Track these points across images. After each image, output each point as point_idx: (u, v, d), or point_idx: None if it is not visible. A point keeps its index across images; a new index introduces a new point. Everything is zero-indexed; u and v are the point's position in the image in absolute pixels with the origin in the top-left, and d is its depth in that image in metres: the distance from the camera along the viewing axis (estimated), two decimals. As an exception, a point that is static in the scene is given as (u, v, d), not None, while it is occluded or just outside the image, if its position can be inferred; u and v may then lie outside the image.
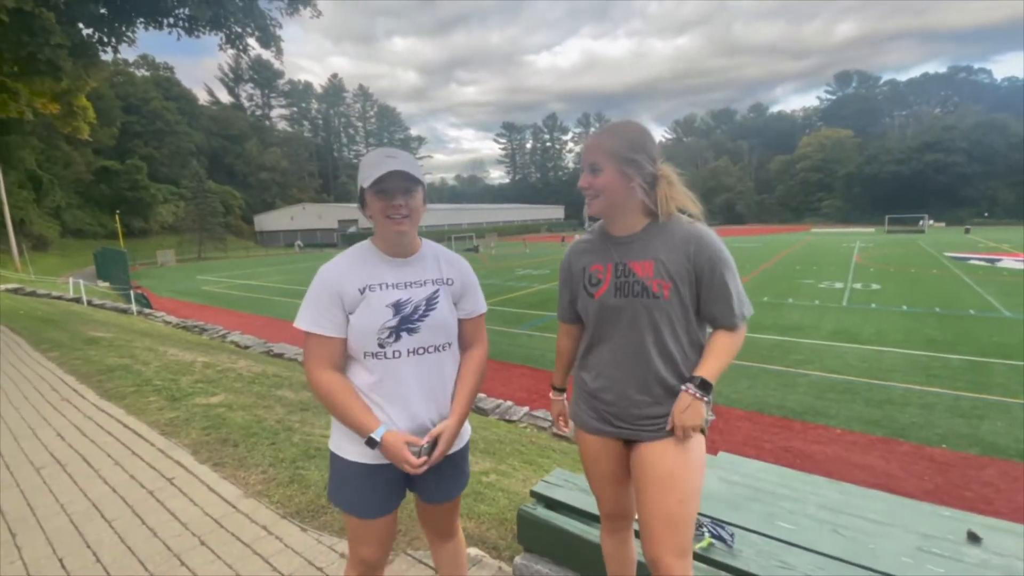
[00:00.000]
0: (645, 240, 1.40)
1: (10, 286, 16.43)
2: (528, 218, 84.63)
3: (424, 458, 1.33)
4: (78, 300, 14.47)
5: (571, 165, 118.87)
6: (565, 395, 1.72)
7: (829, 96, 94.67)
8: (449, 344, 1.46)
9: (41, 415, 4.08)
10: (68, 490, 2.83)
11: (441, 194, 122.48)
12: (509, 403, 6.23)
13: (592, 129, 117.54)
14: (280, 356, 8.45)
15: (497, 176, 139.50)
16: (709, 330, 1.47)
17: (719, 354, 1.39)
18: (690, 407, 1.34)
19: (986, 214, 57.66)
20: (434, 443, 1.36)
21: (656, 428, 1.40)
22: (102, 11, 9.66)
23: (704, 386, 1.34)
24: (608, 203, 1.39)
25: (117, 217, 42.88)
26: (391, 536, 1.50)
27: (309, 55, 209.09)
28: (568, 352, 1.66)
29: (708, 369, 1.36)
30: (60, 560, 2.20)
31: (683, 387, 1.36)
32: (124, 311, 13.69)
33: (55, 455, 3.30)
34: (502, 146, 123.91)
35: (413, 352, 1.38)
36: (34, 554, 2.26)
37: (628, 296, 1.39)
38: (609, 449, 1.50)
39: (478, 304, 1.54)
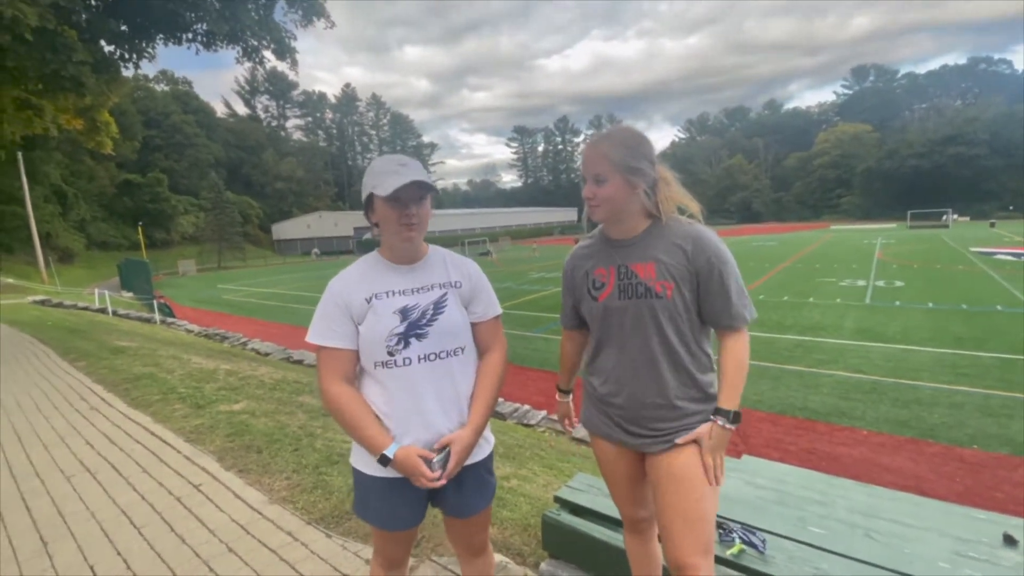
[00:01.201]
0: (646, 242, 1.41)
1: (37, 298, 16.89)
2: (541, 221, 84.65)
3: (439, 471, 1.30)
4: (103, 311, 14.82)
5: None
6: (571, 397, 1.80)
7: (846, 91, 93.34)
8: (462, 348, 1.43)
9: (71, 424, 4.18)
10: (98, 497, 2.88)
11: (454, 199, 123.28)
12: (527, 407, 6.22)
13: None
14: (300, 362, 8.55)
15: (509, 180, 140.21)
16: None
17: (733, 377, 1.38)
18: (718, 438, 1.36)
19: (1011, 207, 56.03)
20: (448, 455, 1.33)
21: (667, 442, 1.40)
22: (123, 28, 9.93)
23: (736, 418, 1.36)
24: (612, 210, 1.40)
25: (140, 229, 43.92)
26: (413, 539, 1.57)
27: (324, 66, 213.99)
28: (571, 356, 1.70)
29: (730, 398, 1.37)
30: (91, 567, 2.24)
31: (712, 418, 1.38)
32: (147, 320, 13.99)
33: (85, 463, 3.38)
34: (514, 150, 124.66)
35: (424, 358, 1.36)
36: (65, 560, 2.30)
37: (632, 297, 1.40)
38: (623, 452, 1.51)
39: (491, 306, 1.50)
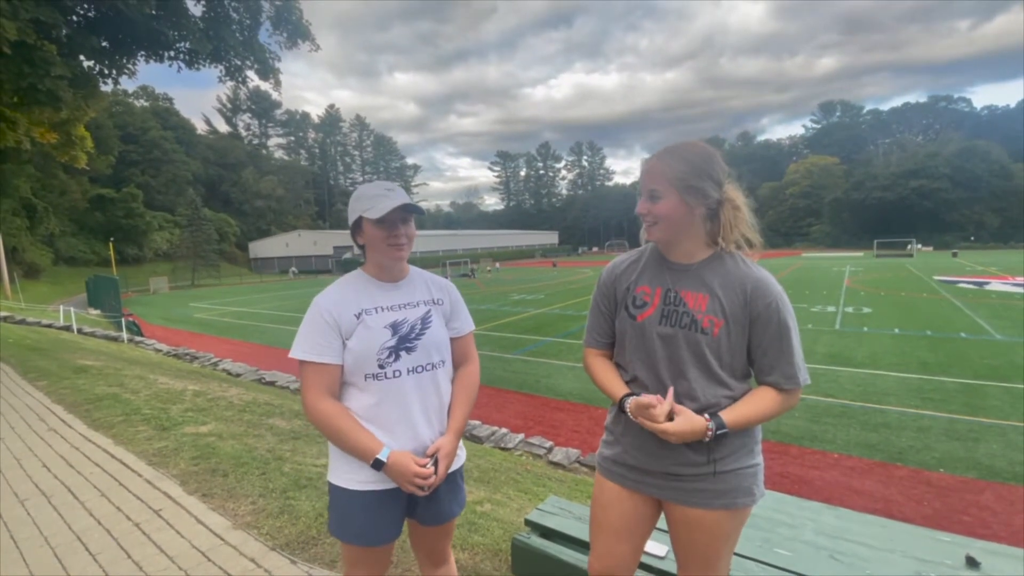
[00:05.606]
0: (702, 271, 1.31)
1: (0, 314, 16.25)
2: (523, 243, 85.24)
3: (431, 469, 1.35)
4: (68, 328, 14.31)
5: (564, 192, 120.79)
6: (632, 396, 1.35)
7: (814, 125, 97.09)
8: (443, 361, 1.51)
9: (27, 445, 4.00)
10: (52, 522, 2.76)
11: (436, 220, 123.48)
12: (504, 430, 6.16)
13: (586, 156, 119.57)
14: (272, 384, 8.35)
15: (492, 203, 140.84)
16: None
17: (756, 407, 1.25)
18: (693, 433, 1.21)
19: (972, 238, 58.55)
20: (435, 461, 1.39)
21: (707, 497, 1.30)
22: (103, 44, 9.84)
23: (720, 435, 1.23)
24: (668, 231, 1.30)
25: (111, 244, 42.79)
26: (390, 557, 1.55)
27: (314, 88, 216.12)
28: (608, 366, 1.45)
29: (737, 419, 1.24)
30: (41, 597, 2.13)
31: (706, 417, 1.23)
32: (114, 339, 13.54)
33: (40, 486, 3.23)
34: (496, 174, 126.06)
35: (412, 371, 1.43)
36: (14, 591, 2.19)
37: (675, 326, 1.29)
38: (625, 500, 1.40)
39: (467, 322, 1.61)
